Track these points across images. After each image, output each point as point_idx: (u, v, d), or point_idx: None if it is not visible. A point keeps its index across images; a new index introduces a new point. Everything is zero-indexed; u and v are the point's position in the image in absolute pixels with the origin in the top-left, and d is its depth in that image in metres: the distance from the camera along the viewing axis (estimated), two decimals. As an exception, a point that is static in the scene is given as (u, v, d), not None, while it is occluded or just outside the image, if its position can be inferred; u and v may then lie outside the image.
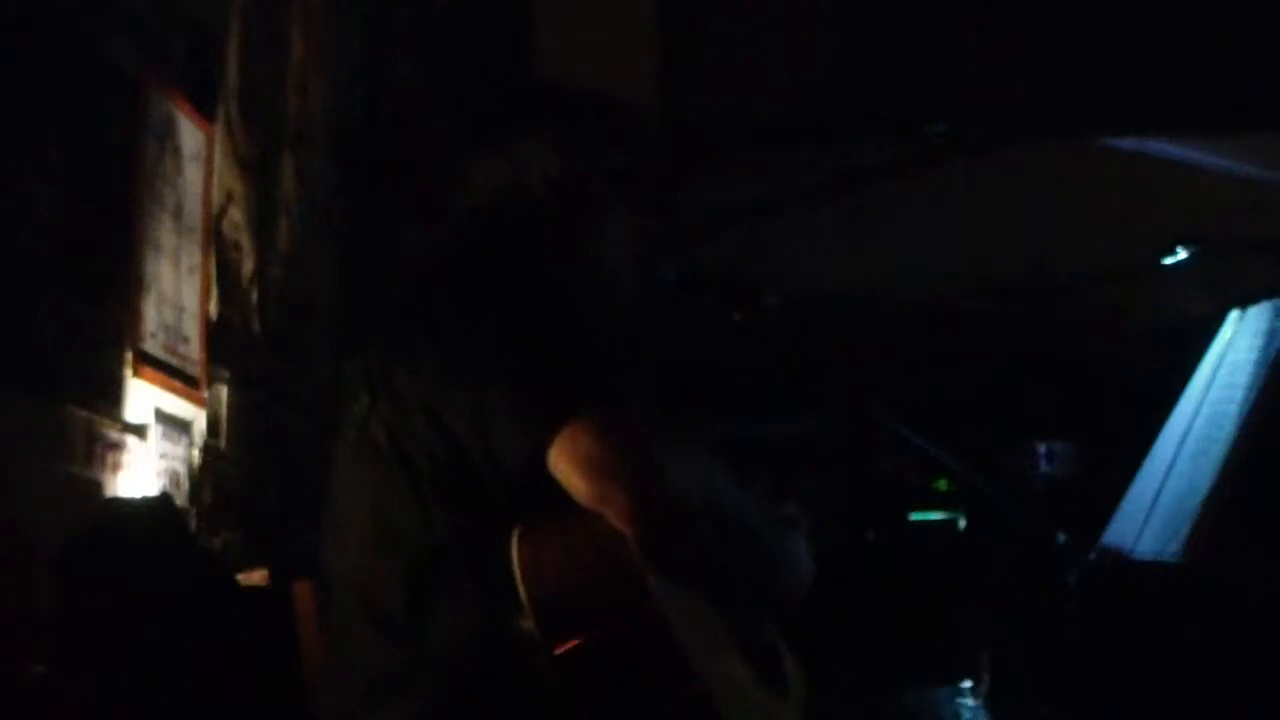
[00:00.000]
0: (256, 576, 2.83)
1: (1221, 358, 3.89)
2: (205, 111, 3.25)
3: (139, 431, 2.89)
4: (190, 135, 3.16)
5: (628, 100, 2.48)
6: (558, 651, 1.93)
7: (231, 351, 3.35)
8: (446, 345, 2.13)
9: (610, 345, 2.17)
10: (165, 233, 3.04)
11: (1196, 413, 3.85)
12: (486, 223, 2.31)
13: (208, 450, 3.21)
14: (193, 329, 3.15)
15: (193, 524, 3.09)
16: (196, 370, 3.15)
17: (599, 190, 2.32)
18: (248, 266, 3.50)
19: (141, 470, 2.88)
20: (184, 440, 3.09)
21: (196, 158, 3.19)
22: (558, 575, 1.97)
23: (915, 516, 4.75)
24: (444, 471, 2.11)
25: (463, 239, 2.36)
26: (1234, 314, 3.92)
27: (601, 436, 2.00)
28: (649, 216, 2.38)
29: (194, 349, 3.15)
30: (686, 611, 2.04)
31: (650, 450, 2.02)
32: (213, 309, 3.28)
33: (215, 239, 3.33)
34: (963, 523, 4.64)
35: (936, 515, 4.71)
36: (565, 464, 2.00)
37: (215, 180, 3.31)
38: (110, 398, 2.82)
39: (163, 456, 2.98)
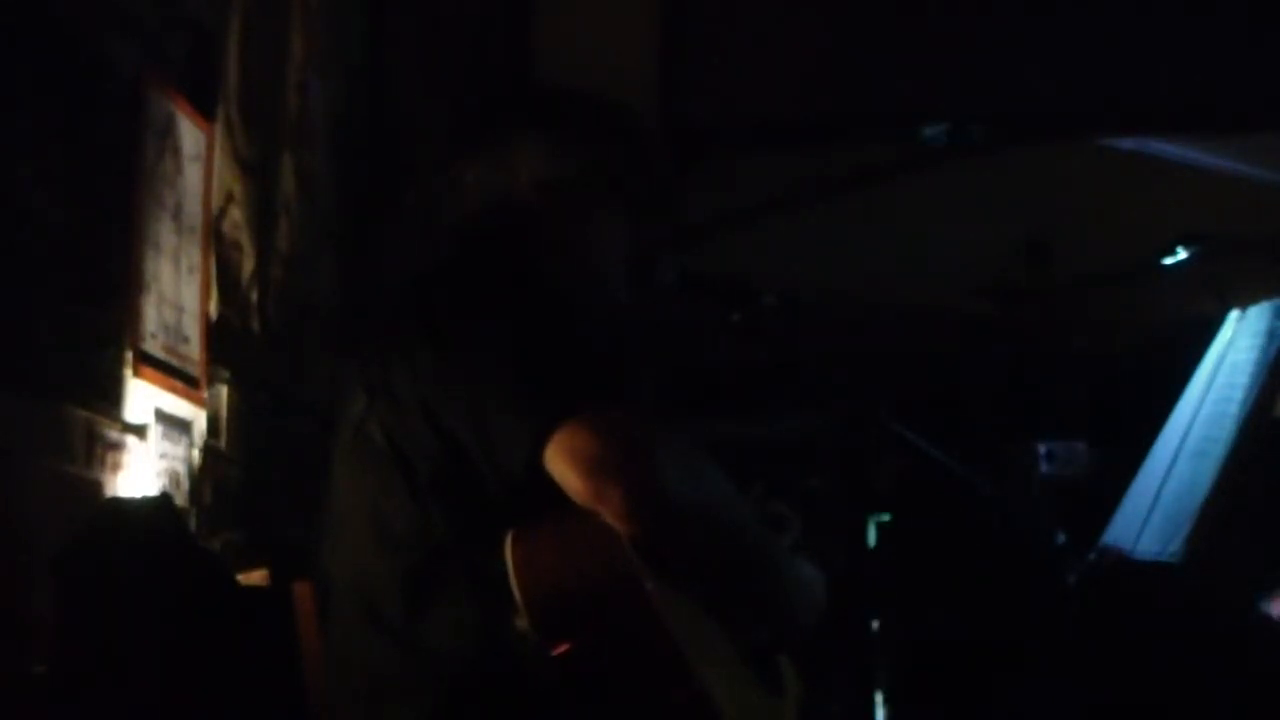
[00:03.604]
0: (256, 576, 2.83)
1: (1221, 358, 3.88)
2: (205, 111, 3.25)
3: (139, 431, 2.88)
4: (190, 135, 3.16)
5: (627, 100, 2.48)
6: (555, 652, 1.93)
7: (231, 351, 3.35)
8: (445, 346, 2.13)
9: (608, 345, 2.16)
10: (165, 233, 3.04)
11: (1196, 413, 3.84)
12: (479, 224, 2.31)
13: (208, 450, 3.20)
14: (193, 329, 3.15)
15: (193, 524, 3.09)
16: (196, 370, 3.15)
17: (588, 191, 2.32)
18: (248, 266, 3.50)
19: (141, 470, 2.88)
20: (184, 440, 3.09)
21: (196, 158, 3.19)
22: (552, 576, 1.96)
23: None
24: (442, 472, 2.11)
25: (459, 240, 2.36)
26: (1234, 314, 3.92)
27: (598, 435, 1.99)
28: (646, 217, 2.39)
29: (194, 349, 3.15)
30: (683, 611, 2.04)
31: (647, 449, 2.02)
32: (213, 309, 3.28)
33: (215, 239, 3.33)
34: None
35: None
36: (562, 462, 2.00)
37: (215, 180, 3.31)
38: (110, 398, 2.81)
39: (163, 456, 2.98)
